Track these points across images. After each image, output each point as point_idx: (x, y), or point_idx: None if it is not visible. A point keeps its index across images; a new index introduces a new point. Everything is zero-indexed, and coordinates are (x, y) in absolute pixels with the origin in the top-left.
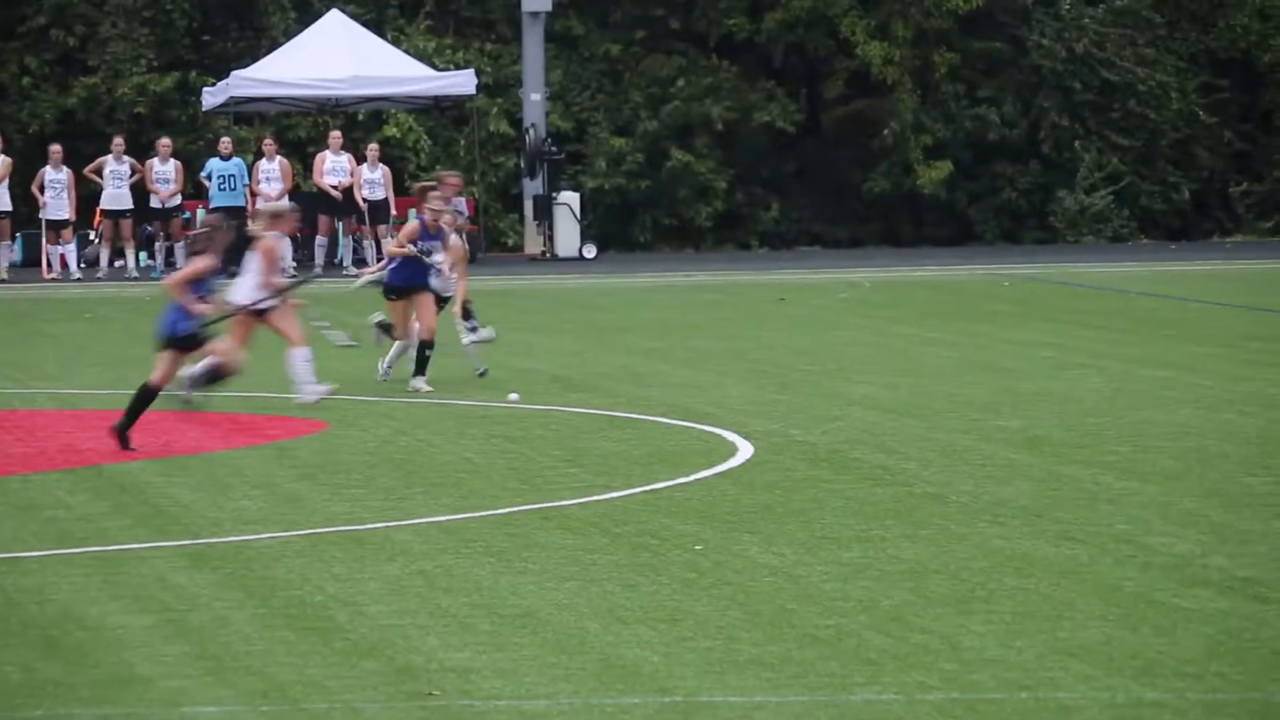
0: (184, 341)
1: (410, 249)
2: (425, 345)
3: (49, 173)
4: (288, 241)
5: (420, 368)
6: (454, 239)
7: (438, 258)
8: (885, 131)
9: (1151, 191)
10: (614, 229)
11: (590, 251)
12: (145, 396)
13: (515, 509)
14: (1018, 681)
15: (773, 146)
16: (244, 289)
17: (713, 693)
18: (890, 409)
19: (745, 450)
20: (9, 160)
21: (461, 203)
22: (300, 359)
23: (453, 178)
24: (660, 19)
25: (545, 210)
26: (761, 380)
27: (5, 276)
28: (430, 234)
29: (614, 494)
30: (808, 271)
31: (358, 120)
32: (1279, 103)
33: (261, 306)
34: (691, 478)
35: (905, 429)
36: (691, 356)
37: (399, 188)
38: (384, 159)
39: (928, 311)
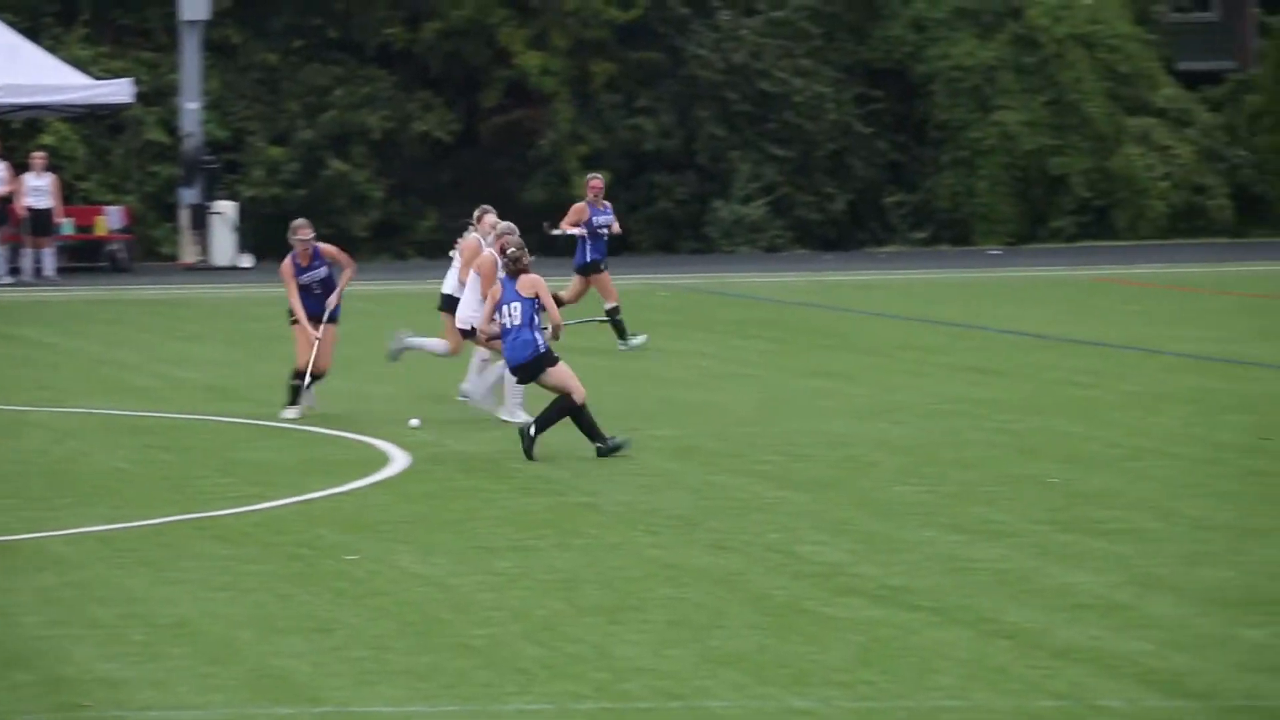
0: None
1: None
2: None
3: None
4: None
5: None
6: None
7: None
8: (542, 141)
9: (807, 202)
10: (271, 238)
11: (246, 261)
12: None
13: (169, 519)
14: (669, 690)
15: (430, 156)
16: None
17: (365, 703)
18: None
19: (401, 460)
20: None
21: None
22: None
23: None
24: (318, 28)
25: (201, 219)
26: (418, 389)
27: None
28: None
29: (268, 504)
30: None
31: (13, 129)
32: (932, 114)
33: None
34: (346, 487)
35: (561, 438)
36: (344, 365)
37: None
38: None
39: None
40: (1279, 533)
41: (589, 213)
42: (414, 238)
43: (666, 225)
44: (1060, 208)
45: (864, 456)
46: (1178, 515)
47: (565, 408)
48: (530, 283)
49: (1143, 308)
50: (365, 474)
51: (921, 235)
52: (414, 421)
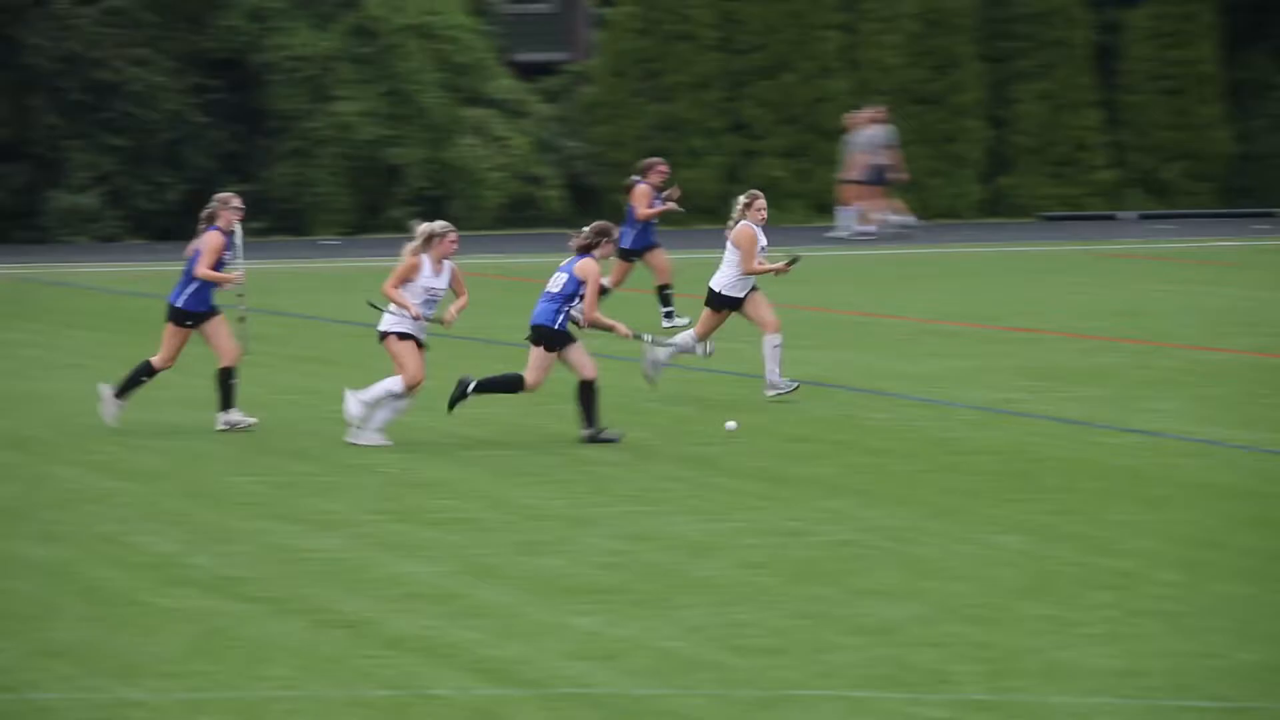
0: None
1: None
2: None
3: None
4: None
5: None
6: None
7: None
8: None
9: (143, 191)
10: None
11: None
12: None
13: None
14: None
15: None
16: None
17: None
18: None
19: None
20: None
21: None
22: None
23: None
24: None
25: None
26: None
27: None
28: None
29: None
30: None
31: None
32: (270, 104)
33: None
34: None
35: None
36: None
37: None
38: None
39: None
40: (608, 522)
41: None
42: None
43: (0, 215)
44: (397, 198)
45: (198, 447)
46: (510, 504)
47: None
48: (586, 267)
49: (478, 297)
50: None
51: (259, 225)
52: (731, 425)
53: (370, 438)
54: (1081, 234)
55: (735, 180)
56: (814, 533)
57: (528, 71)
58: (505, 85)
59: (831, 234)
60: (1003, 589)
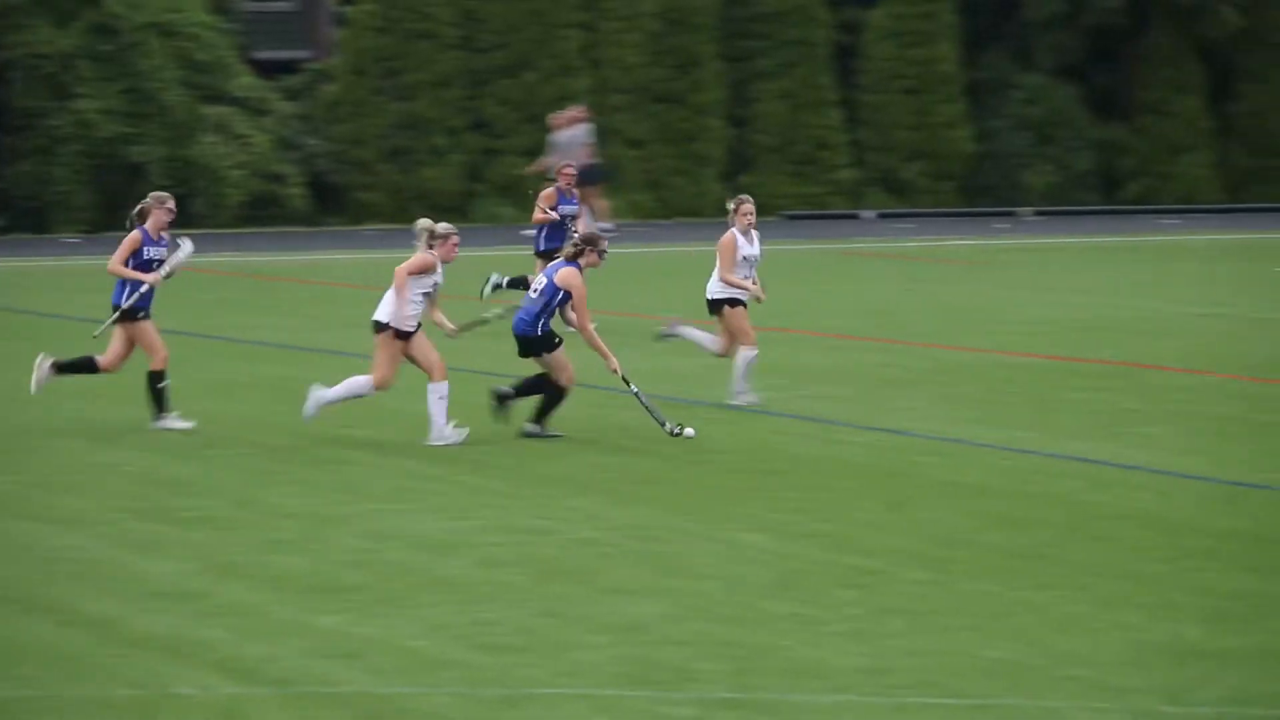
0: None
1: None
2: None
3: None
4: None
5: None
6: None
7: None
8: None
9: None
10: None
11: None
12: None
13: None
14: None
15: None
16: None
17: None
18: None
19: None
20: None
21: None
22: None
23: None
24: None
25: None
26: None
27: None
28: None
29: None
30: None
31: None
32: (12, 102)
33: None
34: None
35: None
36: None
37: None
38: None
39: None
40: (352, 520)
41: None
42: None
43: None
44: (139, 195)
45: None
46: (255, 503)
47: (541, 383)
48: (567, 277)
49: (221, 296)
50: None
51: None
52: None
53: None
54: (823, 233)
55: (477, 179)
56: (560, 531)
57: (269, 69)
58: (246, 83)
59: (526, 231)
60: (749, 587)
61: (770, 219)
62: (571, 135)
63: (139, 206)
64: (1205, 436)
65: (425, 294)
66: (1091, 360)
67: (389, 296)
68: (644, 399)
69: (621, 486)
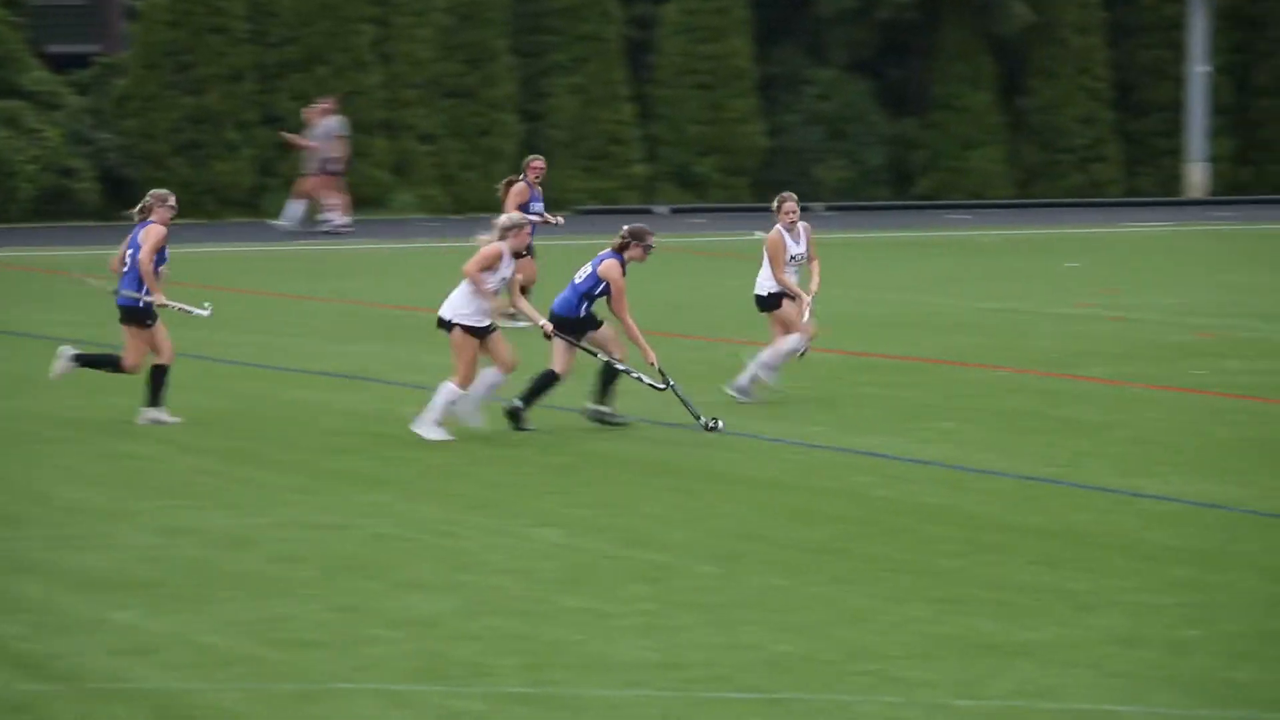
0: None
1: None
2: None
3: None
4: None
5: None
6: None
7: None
8: None
9: None
10: None
11: None
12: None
13: None
14: None
15: None
16: None
17: None
18: None
19: None
20: None
21: None
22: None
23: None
24: None
25: None
26: None
27: None
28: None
29: None
30: None
31: None
32: None
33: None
34: None
35: None
36: None
37: None
38: None
39: None
40: (144, 516)
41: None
42: None
43: None
44: None
45: None
46: (48, 499)
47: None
48: (609, 269)
49: (17, 291)
50: None
51: None
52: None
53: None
54: (616, 228)
55: (269, 174)
56: (353, 526)
57: (60, 63)
58: (37, 77)
59: (270, 221)
60: (541, 582)
61: (563, 214)
62: (325, 127)
63: (141, 204)
64: (999, 431)
65: (504, 280)
66: (885, 355)
67: (458, 293)
68: (680, 392)
69: (415, 481)
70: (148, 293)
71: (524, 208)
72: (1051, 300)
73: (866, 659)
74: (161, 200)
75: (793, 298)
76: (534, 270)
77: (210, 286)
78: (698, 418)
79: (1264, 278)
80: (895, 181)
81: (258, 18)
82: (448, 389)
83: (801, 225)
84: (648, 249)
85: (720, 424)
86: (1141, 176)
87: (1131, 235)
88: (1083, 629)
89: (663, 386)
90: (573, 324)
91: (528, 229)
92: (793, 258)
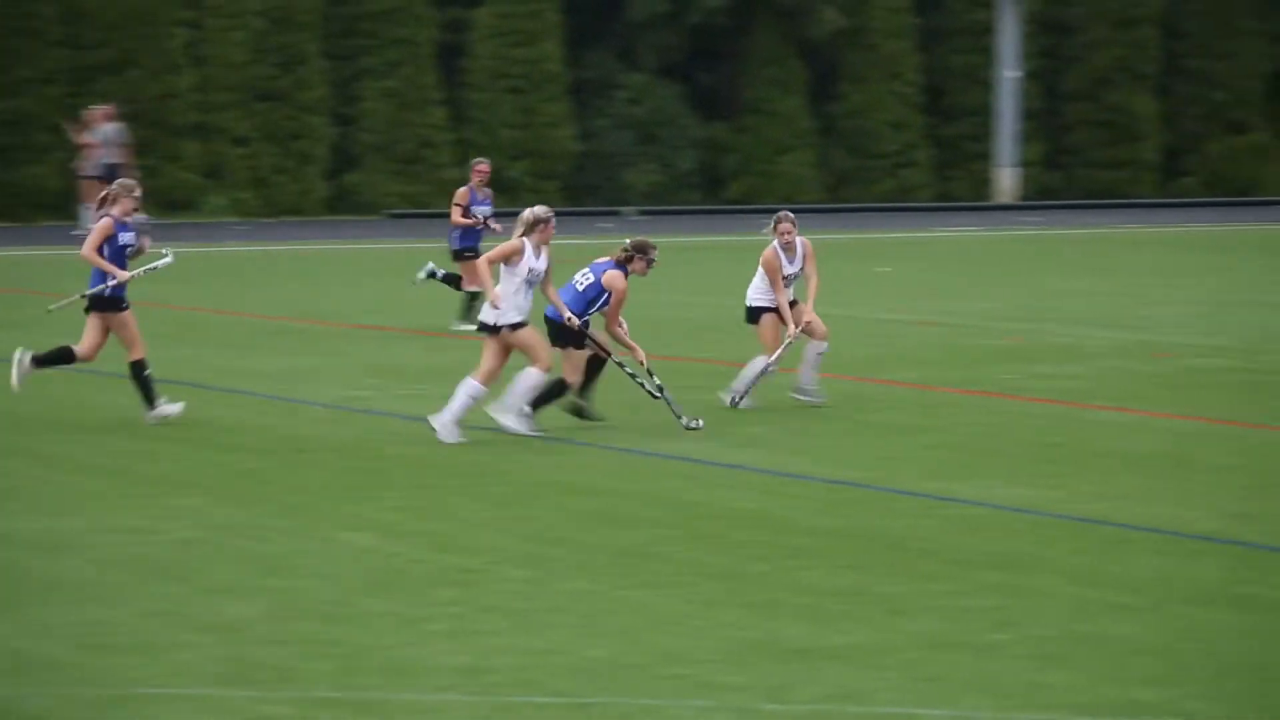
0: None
1: None
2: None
3: None
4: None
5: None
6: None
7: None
8: None
9: None
10: None
11: None
12: None
13: None
14: None
15: None
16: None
17: None
18: None
19: None
20: None
21: None
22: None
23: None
24: None
25: None
26: None
27: None
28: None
29: None
30: None
31: None
32: None
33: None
34: None
35: None
36: None
37: None
38: None
39: None
40: None
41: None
42: None
43: None
44: None
45: None
46: None
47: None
48: (613, 280)
49: None
50: None
51: None
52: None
53: (515, 422)
54: (427, 232)
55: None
56: (162, 530)
57: None
58: None
59: (76, 232)
60: (350, 586)
61: (374, 218)
62: (105, 132)
63: (105, 193)
64: (808, 436)
65: (526, 282)
66: (696, 359)
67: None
68: (665, 393)
69: (224, 485)
70: (110, 279)
71: (467, 211)
72: (862, 305)
73: (676, 663)
74: (128, 190)
75: (778, 314)
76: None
77: (22, 290)
78: (679, 417)
79: (1072, 282)
80: (706, 186)
81: (70, 20)
82: (531, 375)
83: (800, 242)
84: (650, 262)
85: (699, 423)
86: (952, 181)
87: (942, 240)
88: (892, 633)
89: (657, 394)
90: (565, 334)
91: (553, 224)
92: (784, 277)
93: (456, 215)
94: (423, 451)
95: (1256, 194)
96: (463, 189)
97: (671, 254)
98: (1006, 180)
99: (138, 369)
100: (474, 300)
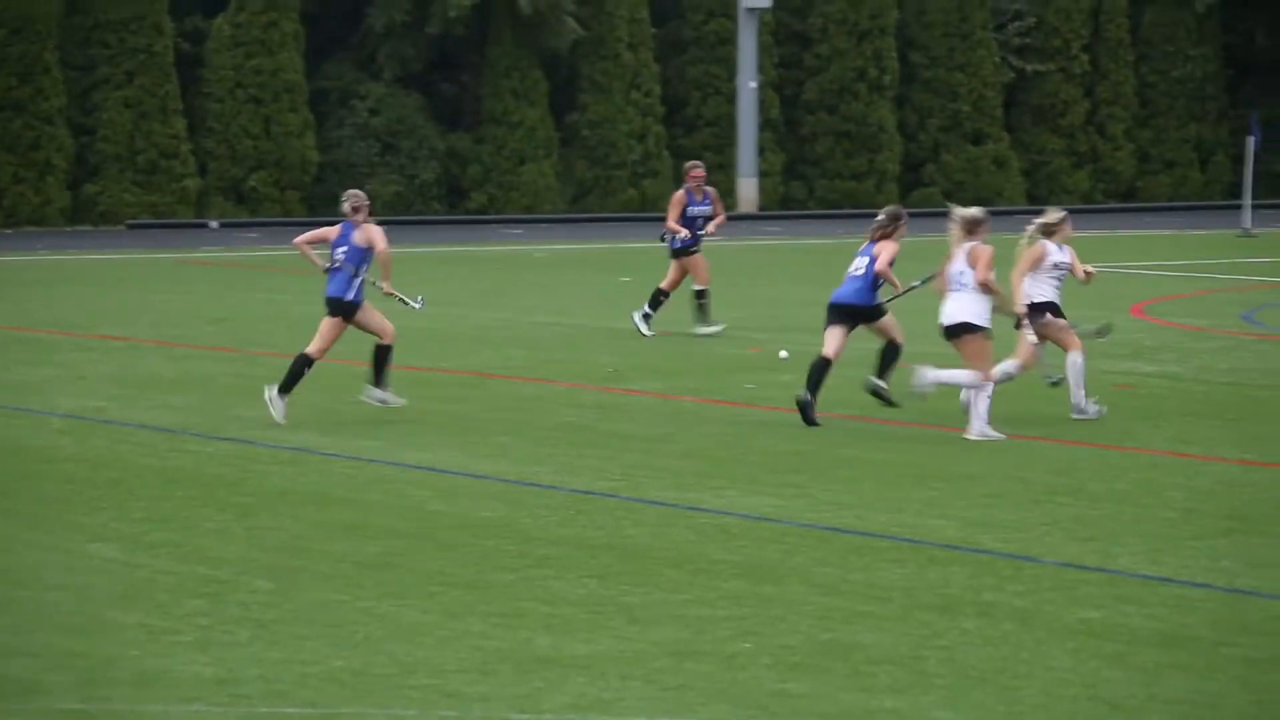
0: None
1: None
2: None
3: None
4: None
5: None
6: None
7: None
8: None
9: None
10: None
11: None
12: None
13: None
14: None
15: None
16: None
17: None
18: None
19: None
20: None
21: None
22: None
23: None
24: None
25: None
26: None
27: None
28: None
29: None
30: None
31: None
32: None
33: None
34: None
35: None
36: None
37: None
38: None
39: None
40: None
41: (687, 202)
42: None
43: None
44: None
45: None
46: None
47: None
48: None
49: None
50: None
51: None
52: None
53: (982, 430)
54: (169, 242)
55: None
56: None
57: None
58: None
59: None
60: (95, 598)
61: (115, 229)
62: None
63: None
64: (552, 445)
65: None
66: (438, 370)
67: (968, 299)
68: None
69: None
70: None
71: (684, 213)
72: (603, 314)
73: (422, 673)
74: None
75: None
76: (706, 270)
77: None
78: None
79: (811, 292)
80: (448, 196)
81: None
82: (970, 380)
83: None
84: (903, 226)
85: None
86: None
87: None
88: (637, 642)
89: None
90: (868, 312)
91: (988, 223)
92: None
93: (672, 219)
94: (166, 462)
95: (997, 204)
96: (679, 192)
97: (413, 264)
98: (746, 190)
99: (381, 352)
100: (701, 299)
